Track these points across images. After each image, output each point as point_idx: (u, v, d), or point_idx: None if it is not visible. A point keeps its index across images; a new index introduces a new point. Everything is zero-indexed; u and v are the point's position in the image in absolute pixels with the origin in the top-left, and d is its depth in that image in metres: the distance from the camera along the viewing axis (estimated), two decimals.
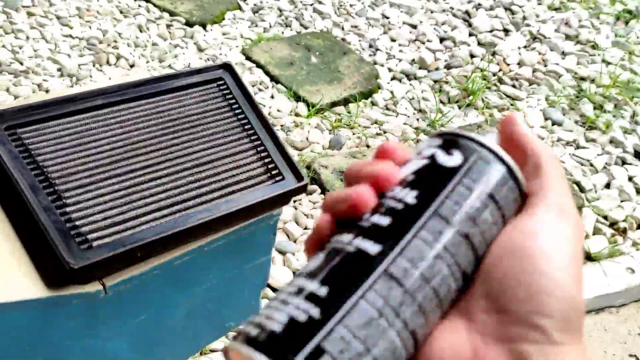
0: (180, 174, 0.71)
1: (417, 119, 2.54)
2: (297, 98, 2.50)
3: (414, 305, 0.33)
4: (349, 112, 2.52)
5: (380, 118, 2.49)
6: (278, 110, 2.40)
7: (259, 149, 0.77)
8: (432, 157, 0.39)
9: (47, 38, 2.55)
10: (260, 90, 2.51)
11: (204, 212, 0.68)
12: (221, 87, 0.83)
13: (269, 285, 1.68)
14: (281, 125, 2.35)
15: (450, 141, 0.39)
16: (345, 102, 2.57)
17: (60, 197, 0.65)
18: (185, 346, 0.78)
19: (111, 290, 0.63)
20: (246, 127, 0.79)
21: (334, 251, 0.35)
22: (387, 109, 2.58)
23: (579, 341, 0.34)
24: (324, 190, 2.12)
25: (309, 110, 2.45)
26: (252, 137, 0.78)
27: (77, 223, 0.63)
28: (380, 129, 2.46)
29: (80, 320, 0.63)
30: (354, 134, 2.42)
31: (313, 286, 0.33)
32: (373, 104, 2.60)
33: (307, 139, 2.33)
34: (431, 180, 0.37)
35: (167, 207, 0.68)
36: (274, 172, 0.76)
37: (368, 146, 2.36)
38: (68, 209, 0.64)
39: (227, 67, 0.86)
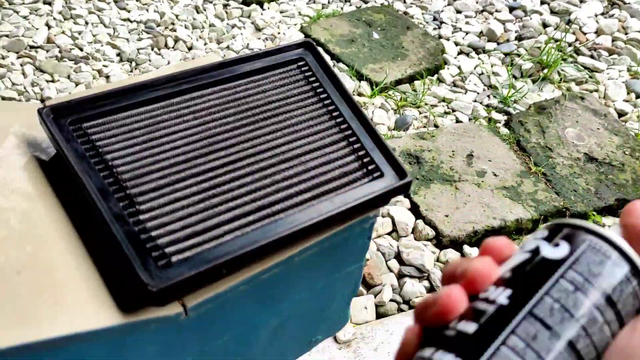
0: (265, 171, 0.62)
1: (488, 96, 2.38)
2: (360, 77, 2.38)
3: None
4: (414, 90, 2.39)
5: (448, 95, 2.35)
6: None
7: (350, 139, 0.67)
8: (534, 250, 0.35)
9: (105, 23, 2.52)
10: None
11: (295, 217, 0.59)
12: (302, 69, 0.73)
13: None
14: None
15: (557, 231, 0.35)
16: (411, 79, 2.44)
17: (132, 202, 0.57)
18: None
19: (192, 311, 0.55)
20: (334, 114, 0.69)
21: None
22: (455, 85, 2.43)
23: None
24: None
25: (372, 89, 2.33)
26: (343, 127, 0.68)
27: (153, 234, 0.55)
28: (448, 107, 2.32)
29: (157, 346, 0.55)
30: (420, 113, 2.29)
31: None
32: (440, 80, 2.45)
33: (371, 119, 2.22)
34: (530, 276, 0.33)
35: (253, 213, 0.59)
36: (370, 168, 0.65)
37: (436, 126, 2.22)
38: (142, 217, 0.56)
39: (307, 45, 0.75)
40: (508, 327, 0.31)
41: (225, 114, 0.66)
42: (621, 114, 2.35)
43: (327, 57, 2.43)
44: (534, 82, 2.47)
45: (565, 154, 2.12)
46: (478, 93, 2.39)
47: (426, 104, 2.32)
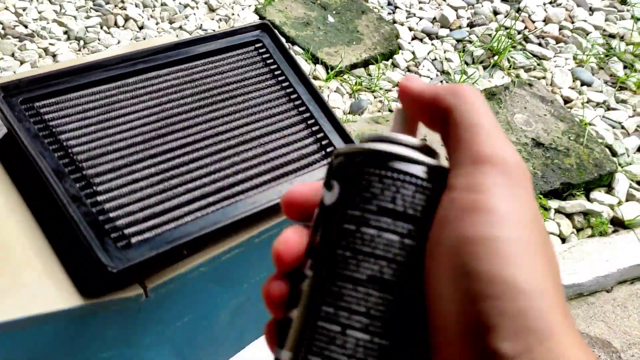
0: (224, 152, 0.62)
1: (441, 81, 2.42)
2: (315, 60, 2.38)
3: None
4: (369, 75, 2.40)
5: None
6: None
7: (309, 122, 0.68)
8: (320, 202, 0.33)
9: None
10: None
11: (255, 199, 0.59)
12: (260, 51, 0.73)
13: None
14: None
15: (329, 170, 0.33)
16: (365, 63, 2.45)
17: (89, 183, 0.56)
18: (230, 347, 0.71)
19: (153, 293, 0.55)
20: (292, 96, 0.70)
21: None
22: (409, 70, 2.46)
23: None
24: None
25: (327, 73, 2.34)
26: (301, 109, 0.68)
27: (112, 215, 0.54)
28: None
29: (117, 328, 0.55)
30: (375, 97, 2.31)
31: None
32: (394, 65, 2.48)
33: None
34: (321, 235, 0.31)
35: (213, 194, 0.58)
36: (328, 150, 0.66)
37: (391, 110, 2.25)
38: (99, 198, 0.55)
39: (264, 27, 0.75)
40: (317, 300, 0.30)
41: (183, 94, 0.66)
42: (567, 100, 2.43)
43: (283, 40, 2.42)
44: (484, 68, 2.52)
45: (514, 139, 2.19)
46: (431, 78, 2.43)
47: (381, 89, 2.34)
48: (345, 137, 0.67)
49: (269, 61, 0.72)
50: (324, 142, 0.67)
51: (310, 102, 0.69)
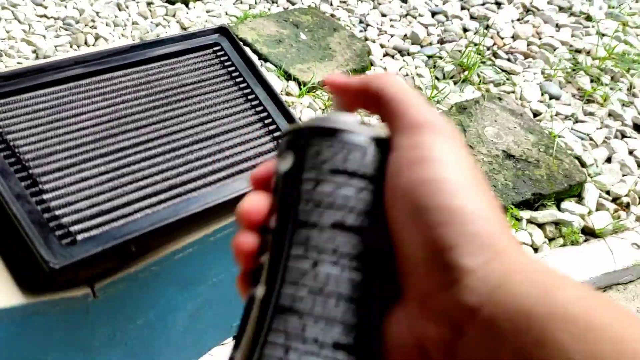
0: (178, 151, 0.61)
1: None
2: (288, 77, 2.39)
3: (320, 321, 0.31)
4: None
5: None
6: None
7: (266, 121, 0.67)
8: (276, 169, 0.37)
9: (20, 19, 2.41)
10: None
11: (208, 195, 0.58)
12: (218, 54, 0.73)
13: None
14: None
15: (281, 145, 0.38)
16: None
17: (35, 182, 0.54)
18: (188, 352, 0.69)
19: (101, 293, 0.53)
20: (249, 97, 0.69)
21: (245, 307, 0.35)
22: None
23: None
24: None
25: (300, 89, 2.34)
26: (258, 109, 0.68)
27: (57, 213, 0.53)
28: None
29: (64, 331, 0.53)
30: None
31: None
32: None
33: (299, 119, 2.23)
34: (281, 195, 0.35)
35: (165, 191, 0.57)
36: None
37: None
38: (45, 196, 0.53)
39: (222, 30, 0.75)
40: (285, 244, 0.33)
41: (137, 95, 0.65)
42: (536, 113, 2.47)
43: (241, 43, 2.43)
44: (455, 83, 2.55)
45: (485, 152, 2.21)
46: None
47: None
48: None
49: (227, 63, 0.72)
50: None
51: (267, 102, 0.69)
